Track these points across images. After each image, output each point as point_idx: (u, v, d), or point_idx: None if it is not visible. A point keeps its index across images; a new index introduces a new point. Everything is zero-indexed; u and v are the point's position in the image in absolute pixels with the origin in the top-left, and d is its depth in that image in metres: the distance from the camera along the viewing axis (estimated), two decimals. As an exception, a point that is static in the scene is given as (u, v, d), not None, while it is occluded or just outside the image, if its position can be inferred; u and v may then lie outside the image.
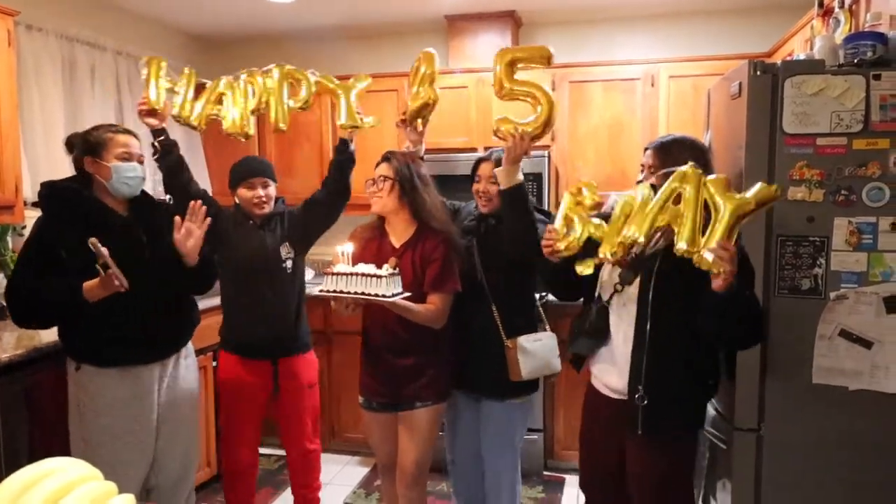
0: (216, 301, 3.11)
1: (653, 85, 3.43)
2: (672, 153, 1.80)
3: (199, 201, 2.10)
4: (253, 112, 2.31)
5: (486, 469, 2.30)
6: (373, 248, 2.18)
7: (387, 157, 2.18)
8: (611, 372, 1.88)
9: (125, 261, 1.95)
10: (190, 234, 2.05)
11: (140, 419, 2.09)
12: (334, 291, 2.01)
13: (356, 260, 2.09)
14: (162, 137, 2.32)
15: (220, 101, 2.34)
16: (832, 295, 1.82)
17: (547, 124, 1.99)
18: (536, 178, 3.51)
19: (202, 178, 4.12)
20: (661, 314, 1.75)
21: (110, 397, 2.05)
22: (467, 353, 2.22)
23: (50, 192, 2.06)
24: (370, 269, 1.95)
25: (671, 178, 1.62)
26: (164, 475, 2.20)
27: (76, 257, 1.95)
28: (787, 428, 1.88)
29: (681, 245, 1.54)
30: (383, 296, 1.91)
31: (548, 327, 2.28)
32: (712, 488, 2.16)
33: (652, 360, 1.76)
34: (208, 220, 2.10)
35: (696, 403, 1.84)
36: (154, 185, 3.14)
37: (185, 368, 2.24)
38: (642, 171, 1.87)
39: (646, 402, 1.75)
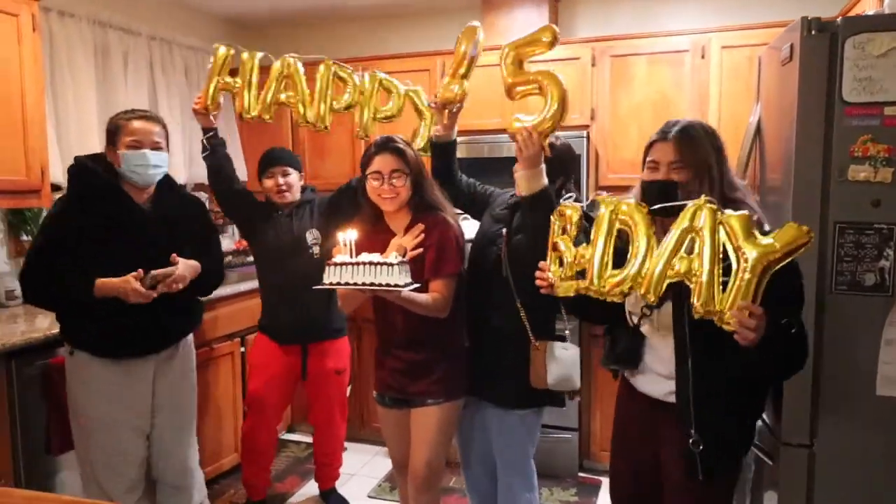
0: (244, 286, 3.14)
1: (703, 57, 3.12)
2: (701, 144, 1.45)
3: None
4: (337, 111, 2.25)
5: (499, 480, 2.13)
6: (373, 239, 2.00)
7: (394, 148, 1.95)
8: (656, 384, 1.61)
9: (135, 255, 1.93)
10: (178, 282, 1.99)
11: (134, 408, 2.05)
12: (339, 284, 1.81)
13: (357, 251, 1.90)
14: (210, 135, 2.43)
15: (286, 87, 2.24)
16: (901, 292, 1.55)
17: (559, 116, 1.78)
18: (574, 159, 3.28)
19: (238, 165, 4.10)
20: (702, 344, 1.44)
21: (103, 385, 2.01)
22: (482, 353, 2.04)
23: (77, 172, 2.02)
24: (376, 257, 1.76)
25: (681, 216, 1.30)
26: (168, 466, 2.17)
27: (90, 241, 1.93)
28: (844, 445, 1.63)
29: (699, 304, 1.25)
30: (396, 286, 1.71)
31: (568, 331, 2.01)
32: (758, 503, 1.92)
33: (701, 399, 1.47)
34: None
35: (747, 433, 1.57)
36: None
37: (182, 358, 2.18)
38: (651, 168, 1.51)
39: (701, 447, 1.46)
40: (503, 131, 3.39)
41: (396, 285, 1.71)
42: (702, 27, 3.21)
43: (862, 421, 1.61)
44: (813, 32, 1.57)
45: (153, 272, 1.92)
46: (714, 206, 1.27)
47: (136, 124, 1.98)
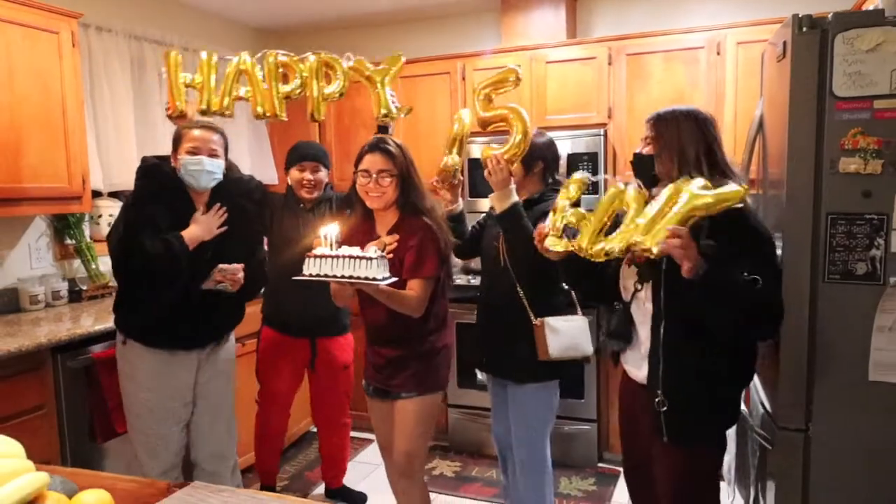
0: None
1: (718, 53, 3.16)
2: (669, 125, 1.69)
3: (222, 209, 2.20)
4: (287, 97, 2.18)
5: (514, 456, 2.29)
6: (360, 237, 2.11)
7: (383, 149, 2.04)
8: (635, 363, 1.81)
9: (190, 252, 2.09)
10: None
11: (176, 397, 2.21)
12: (317, 276, 1.87)
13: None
14: None
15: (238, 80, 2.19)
16: (892, 280, 1.58)
17: (523, 146, 2.06)
18: (592, 157, 3.35)
19: (267, 165, 4.27)
20: (673, 313, 1.64)
21: (150, 373, 2.17)
22: (494, 335, 2.26)
23: (146, 169, 2.16)
24: (356, 251, 1.85)
25: (669, 188, 1.50)
26: (204, 450, 2.32)
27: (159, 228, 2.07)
28: (839, 429, 1.67)
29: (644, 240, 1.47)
30: (374, 279, 1.80)
31: (580, 311, 2.25)
32: (762, 489, 1.97)
33: (668, 363, 1.66)
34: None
35: (719, 403, 1.69)
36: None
37: (224, 351, 2.33)
38: (643, 142, 1.75)
39: (665, 407, 1.66)
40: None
41: (374, 279, 1.80)
42: (717, 23, 3.24)
43: (856, 405, 1.65)
44: (804, 29, 1.62)
45: (223, 266, 2.16)
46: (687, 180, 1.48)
47: (196, 132, 2.13)
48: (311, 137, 3.99)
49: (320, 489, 3.11)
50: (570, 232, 1.72)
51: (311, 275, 1.87)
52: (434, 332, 2.14)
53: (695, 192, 1.43)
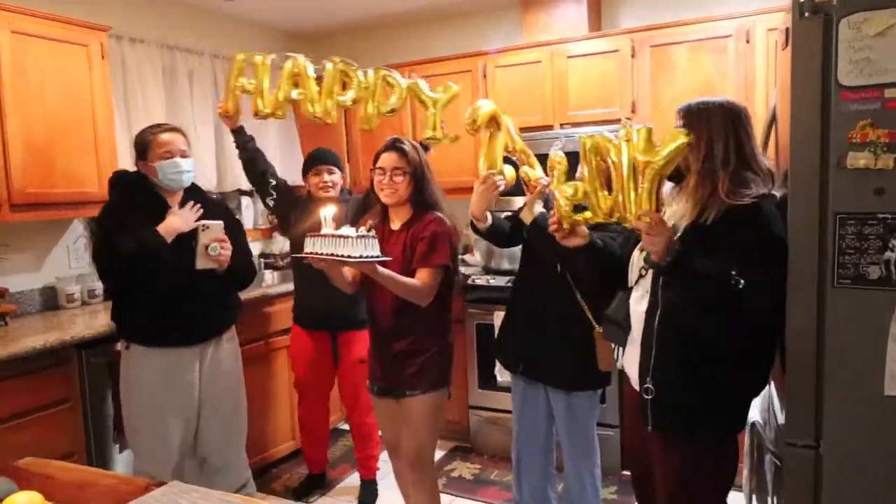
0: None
1: (748, 41, 2.99)
2: (699, 117, 1.65)
3: (196, 205, 2.26)
4: (342, 106, 2.20)
5: (566, 462, 2.29)
6: (378, 232, 2.17)
7: (398, 148, 2.14)
8: (635, 364, 1.74)
9: (177, 253, 2.15)
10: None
11: (182, 396, 2.26)
12: (309, 254, 1.94)
13: None
14: (237, 135, 2.67)
15: (296, 84, 2.20)
16: (908, 286, 1.45)
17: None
18: (615, 154, 3.23)
19: (297, 168, 4.32)
20: (669, 300, 1.61)
21: (155, 374, 2.22)
22: (544, 341, 2.20)
23: (117, 181, 2.28)
24: (345, 231, 1.88)
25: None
26: (211, 447, 2.37)
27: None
28: (852, 447, 1.54)
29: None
30: (349, 256, 1.83)
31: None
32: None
33: (661, 350, 1.62)
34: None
35: (712, 399, 1.63)
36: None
37: (227, 350, 2.38)
38: None
39: (652, 395, 1.64)
40: (545, 127, 3.42)
41: (350, 256, 1.82)
42: (747, 10, 3.06)
43: (870, 422, 1.51)
44: (806, 14, 1.50)
45: (205, 222, 2.21)
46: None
47: (165, 137, 2.19)
48: (339, 140, 4.04)
49: (342, 485, 3.18)
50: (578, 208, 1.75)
51: (302, 254, 1.96)
52: (440, 328, 2.18)
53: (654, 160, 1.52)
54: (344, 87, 2.19)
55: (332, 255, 1.87)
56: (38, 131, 2.66)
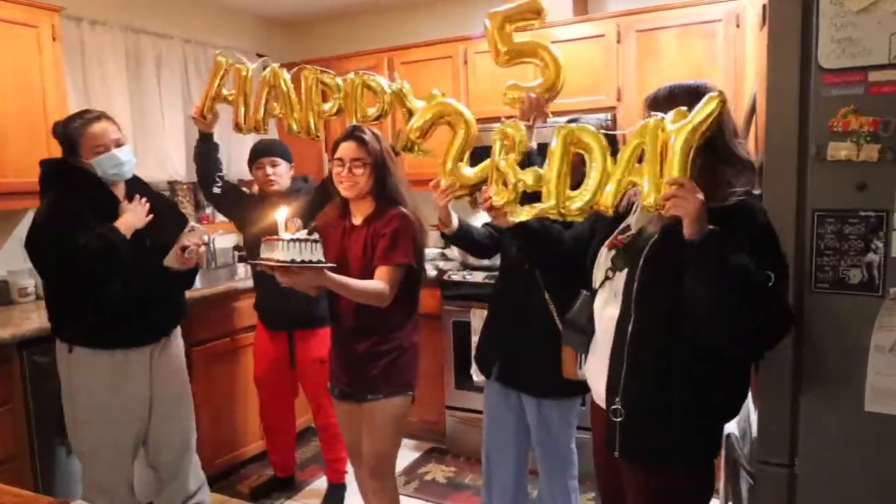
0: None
1: (738, 25, 2.83)
2: (664, 106, 1.41)
3: (143, 198, 2.14)
4: (325, 116, 1.97)
5: (539, 468, 2.17)
6: (338, 227, 2.08)
7: (358, 137, 1.99)
8: (598, 375, 1.54)
9: (132, 251, 2.03)
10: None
11: (133, 398, 2.14)
12: (258, 261, 1.80)
13: (325, 240, 1.89)
14: (204, 143, 2.51)
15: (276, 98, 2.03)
16: (892, 291, 1.31)
17: (552, 89, 1.87)
18: (599, 144, 3.09)
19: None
20: (645, 310, 1.40)
21: (103, 378, 2.09)
22: (512, 342, 2.06)
23: (57, 169, 2.07)
24: (285, 235, 1.73)
25: (635, 132, 1.33)
26: (163, 452, 2.25)
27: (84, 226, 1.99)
28: (830, 466, 1.40)
29: (647, 202, 1.29)
30: (278, 261, 1.69)
31: None
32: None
33: (633, 368, 1.42)
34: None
35: (688, 425, 1.41)
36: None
37: (174, 348, 2.26)
38: None
39: (621, 417, 1.43)
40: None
41: (279, 261, 1.68)
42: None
43: (850, 440, 1.38)
44: (784, -12, 1.35)
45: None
46: (661, 119, 1.30)
47: (95, 129, 2.02)
48: (315, 141, 3.90)
49: (310, 488, 3.08)
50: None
51: (249, 261, 1.89)
52: (404, 328, 2.07)
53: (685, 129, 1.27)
54: (324, 97, 1.97)
55: (269, 260, 1.71)
56: (-16, 118, 2.53)
